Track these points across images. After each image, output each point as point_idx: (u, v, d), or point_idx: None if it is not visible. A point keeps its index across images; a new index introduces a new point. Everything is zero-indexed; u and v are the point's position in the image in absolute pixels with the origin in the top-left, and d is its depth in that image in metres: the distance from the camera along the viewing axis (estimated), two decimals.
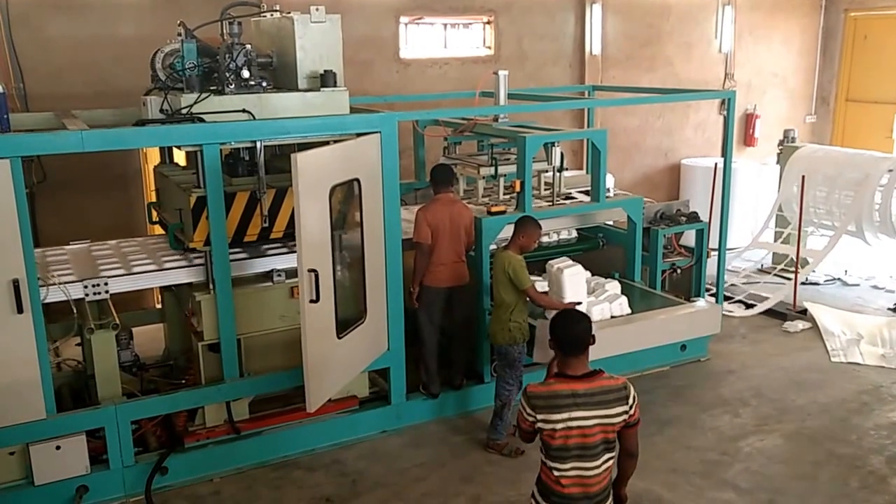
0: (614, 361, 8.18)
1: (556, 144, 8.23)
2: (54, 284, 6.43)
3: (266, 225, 6.93)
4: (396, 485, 6.76)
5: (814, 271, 11.64)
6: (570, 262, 7.55)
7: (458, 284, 7.66)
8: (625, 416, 4.36)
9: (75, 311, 6.53)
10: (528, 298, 7.09)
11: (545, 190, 8.67)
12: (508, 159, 8.47)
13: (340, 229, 6.94)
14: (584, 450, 4.29)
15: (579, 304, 7.21)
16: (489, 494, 6.60)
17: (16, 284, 5.84)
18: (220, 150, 6.54)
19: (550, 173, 8.48)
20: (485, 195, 8.73)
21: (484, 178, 8.47)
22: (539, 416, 4.26)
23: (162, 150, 8.29)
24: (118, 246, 7.72)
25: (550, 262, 7.56)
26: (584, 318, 4.52)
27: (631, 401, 4.39)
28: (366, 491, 6.68)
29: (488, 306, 7.86)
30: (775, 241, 12.12)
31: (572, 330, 4.42)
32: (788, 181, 11.55)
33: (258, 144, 6.64)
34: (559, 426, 4.22)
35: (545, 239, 8.79)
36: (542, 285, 7.82)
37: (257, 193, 6.82)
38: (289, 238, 6.99)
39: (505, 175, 8.42)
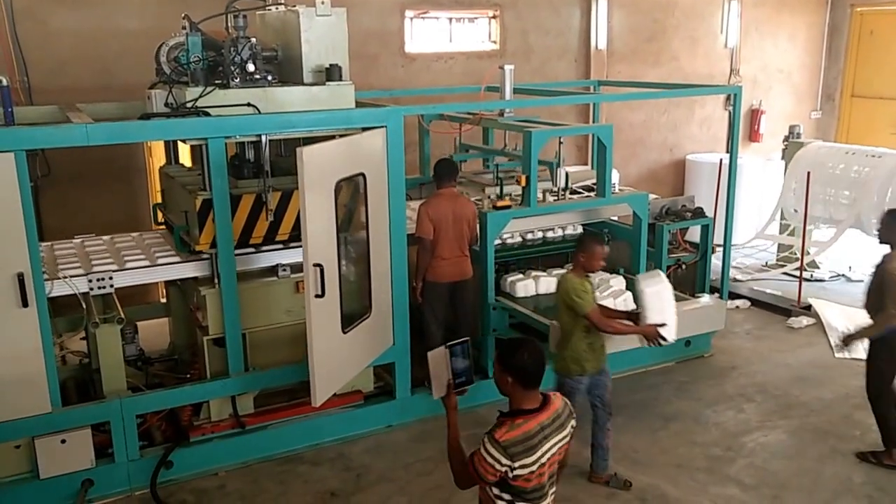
0: (619, 357, 8.22)
1: (560, 165, 8.21)
2: (59, 278, 6.44)
3: (272, 220, 6.93)
4: (401, 479, 6.76)
5: (818, 266, 11.66)
6: (658, 275, 6.75)
7: (462, 279, 7.66)
8: (572, 431, 4.22)
9: (84, 305, 6.54)
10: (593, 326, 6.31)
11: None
12: (513, 177, 8.41)
13: (346, 224, 6.94)
14: (551, 478, 4.15)
15: (663, 325, 6.43)
16: None
17: (20, 278, 5.84)
18: (226, 152, 6.54)
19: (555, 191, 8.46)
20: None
21: (489, 197, 8.39)
22: (516, 464, 3.92)
23: (167, 149, 8.29)
24: (123, 241, 7.72)
25: (637, 276, 6.92)
26: (540, 346, 4.23)
27: (573, 413, 4.25)
28: (370, 485, 6.69)
29: (492, 300, 7.86)
30: (780, 234, 12.12)
31: (539, 361, 4.10)
32: (789, 182, 11.52)
33: (263, 139, 6.63)
34: (534, 467, 3.97)
35: (549, 235, 8.78)
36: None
37: (263, 196, 6.82)
38: (294, 241, 6.99)
39: (510, 195, 8.35)
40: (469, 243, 7.67)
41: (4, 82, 6.43)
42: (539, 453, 3.98)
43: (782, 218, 11.98)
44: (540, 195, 8.11)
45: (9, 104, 6.36)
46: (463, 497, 6.48)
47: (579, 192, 8.88)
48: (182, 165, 8.19)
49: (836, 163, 11.29)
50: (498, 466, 3.93)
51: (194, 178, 7.28)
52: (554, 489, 4.21)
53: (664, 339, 6.45)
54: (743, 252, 12.56)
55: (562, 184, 8.32)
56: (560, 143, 8.31)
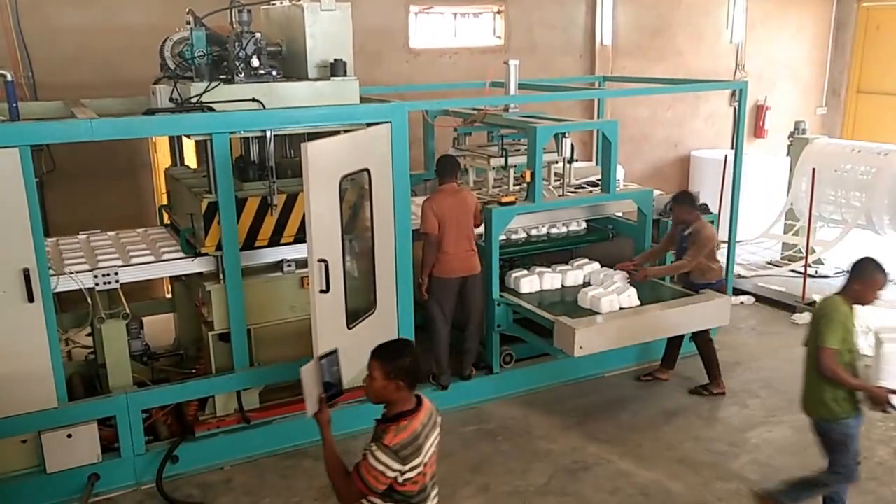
0: (623, 353, 8.27)
1: (566, 136, 8.22)
2: (65, 274, 6.45)
3: (278, 220, 6.95)
4: None
5: (823, 262, 11.68)
6: None
7: (470, 274, 7.65)
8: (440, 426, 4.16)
9: (89, 300, 6.56)
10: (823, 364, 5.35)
11: (555, 181, 8.67)
12: (518, 150, 8.46)
13: (350, 219, 6.95)
14: (433, 477, 4.08)
15: (894, 392, 5.36)
16: (498, 484, 6.61)
17: (26, 274, 5.86)
18: (231, 154, 6.55)
19: (560, 164, 8.47)
20: (495, 185, 8.73)
21: (494, 168, 8.46)
22: (406, 467, 3.82)
23: (172, 150, 8.31)
24: (128, 236, 7.74)
25: (881, 327, 5.87)
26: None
27: (438, 411, 4.18)
28: None
29: (497, 296, 7.87)
30: (785, 234, 12.12)
31: (420, 359, 4.07)
32: (800, 178, 11.53)
33: (268, 134, 6.64)
34: (421, 467, 3.90)
35: (553, 231, 8.78)
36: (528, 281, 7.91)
37: (269, 197, 6.84)
38: (299, 243, 6.98)
39: (515, 166, 8.41)
40: (475, 225, 7.68)
41: (9, 78, 6.46)
42: (423, 452, 3.91)
43: (787, 218, 11.97)
44: (545, 166, 8.16)
45: (14, 100, 6.38)
46: (466, 493, 6.52)
47: (584, 188, 8.88)
48: (187, 167, 8.21)
49: (843, 163, 11.30)
50: (389, 473, 3.80)
51: (200, 180, 7.31)
52: (436, 490, 4.14)
53: (893, 407, 5.41)
54: (748, 248, 12.54)
55: (567, 154, 8.31)
56: (565, 137, 8.29)
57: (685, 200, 7.96)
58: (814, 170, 10.80)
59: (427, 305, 7.69)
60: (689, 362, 8.62)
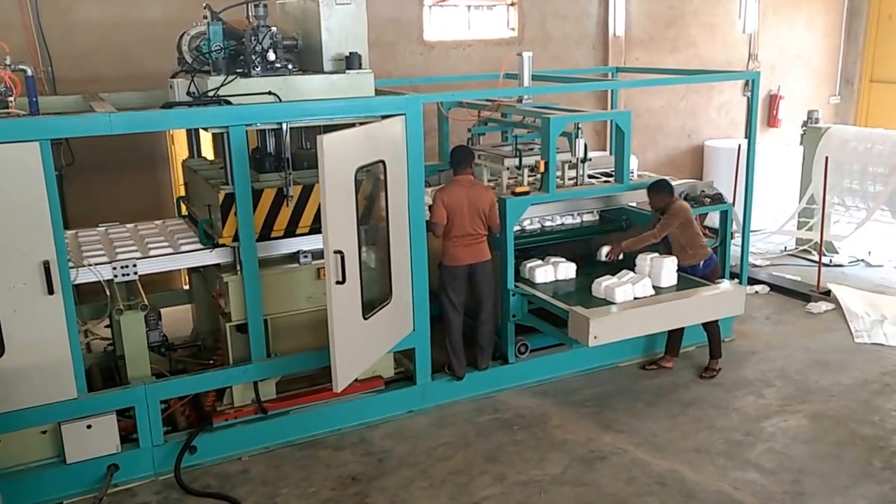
0: (637, 342, 8.29)
1: (579, 136, 8.18)
2: (84, 266, 6.52)
3: (293, 211, 6.99)
4: (422, 464, 6.82)
5: (837, 252, 11.67)
6: None
7: (478, 262, 7.65)
8: None
9: (108, 292, 6.62)
10: None
11: (569, 170, 8.66)
12: (532, 150, 8.43)
13: (366, 211, 6.99)
14: None
15: None
16: (514, 473, 6.65)
17: (46, 266, 5.93)
18: (247, 145, 6.59)
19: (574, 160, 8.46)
20: (510, 177, 8.74)
21: (508, 168, 8.43)
22: None
23: (189, 142, 8.38)
24: (147, 228, 7.80)
25: None
26: None
27: None
28: (392, 470, 6.75)
29: (512, 286, 7.89)
30: (799, 223, 12.10)
31: None
32: (819, 166, 11.48)
33: (284, 127, 6.68)
34: None
35: (568, 220, 8.80)
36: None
37: (284, 189, 6.88)
38: (314, 234, 7.02)
39: (529, 166, 8.37)
40: (492, 231, 7.67)
41: (29, 73, 6.51)
42: None
43: (807, 202, 11.93)
44: (559, 167, 8.19)
45: (34, 94, 6.42)
46: (482, 482, 6.57)
47: (598, 178, 8.89)
48: (204, 158, 8.27)
49: (864, 149, 11.25)
50: None
51: (217, 171, 7.37)
52: None
53: None
54: (762, 237, 12.51)
55: (580, 154, 8.32)
56: (578, 138, 8.29)
57: (662, 188, 8.05)
58: (827, 158, 10.78)
59: (439, 296, 7.72)
60: (703, 352, 8.63)
